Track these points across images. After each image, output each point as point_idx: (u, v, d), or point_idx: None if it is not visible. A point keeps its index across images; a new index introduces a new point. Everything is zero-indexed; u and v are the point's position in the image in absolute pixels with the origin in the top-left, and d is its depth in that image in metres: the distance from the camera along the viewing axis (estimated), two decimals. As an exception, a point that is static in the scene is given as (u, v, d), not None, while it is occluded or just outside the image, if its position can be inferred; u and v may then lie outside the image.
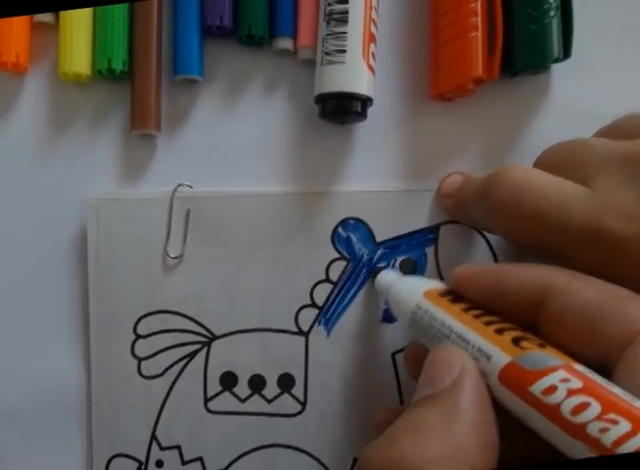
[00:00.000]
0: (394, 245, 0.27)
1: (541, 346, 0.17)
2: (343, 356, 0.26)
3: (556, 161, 0.22)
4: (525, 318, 0.19)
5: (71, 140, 0.27)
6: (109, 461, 0.27)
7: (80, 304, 0.27)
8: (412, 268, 0.27)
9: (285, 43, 0.27)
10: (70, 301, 0.27)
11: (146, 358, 0.27)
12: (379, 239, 0.27)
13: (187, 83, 0.28)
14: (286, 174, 0.27)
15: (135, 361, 0.27)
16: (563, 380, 0.15)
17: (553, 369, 0.16)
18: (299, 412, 0.26)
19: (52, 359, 0.27)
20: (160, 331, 0.27)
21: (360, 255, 0.27)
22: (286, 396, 0.27)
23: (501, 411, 0.17)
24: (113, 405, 0.27)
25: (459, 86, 0.26)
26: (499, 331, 0.18)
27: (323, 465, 0.26)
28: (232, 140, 0.27)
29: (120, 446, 0.27)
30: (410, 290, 0.22)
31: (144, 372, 0.27)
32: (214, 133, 0.27)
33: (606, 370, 0.16)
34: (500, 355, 0.17)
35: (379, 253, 0.27)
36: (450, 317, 0.19)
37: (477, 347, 0.18)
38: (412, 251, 0.27)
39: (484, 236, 0.26)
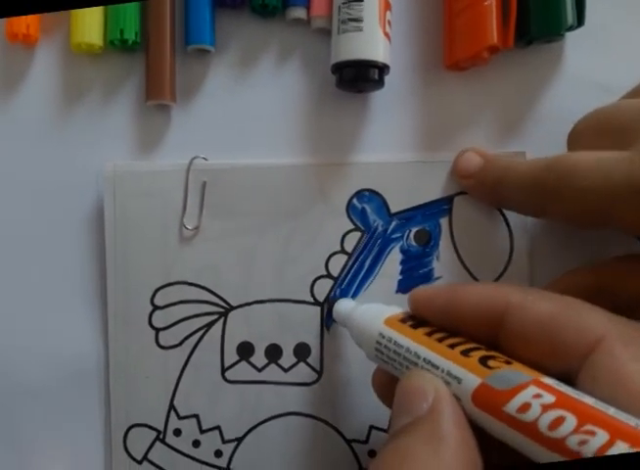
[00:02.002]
0: (409, 216, 0.27)
1: (508, 363, 0.17)
2: (359, 326, 0.27)
3: (591, 132, 0.22)
4: (486, 337, 0.19)
5: (85, 112, 0.27)
6: (127, 431, 0.27)
7: (98, 276, 0.27)
8: (427, 239, 0.27)
9: (298, 12, 0.27)
10: (88, 273, 0.27)
11: (163, 329, 0.27)
12: (393, 210, 0.27)
13: (199, 54, 0.27)
14: (301, 145, 0.27)
15: (153, 332, 0.27)
16: (535, 396, 0.15)
17: (524, 386, 0.16)
18: (315, 381, 0.27)
19: (70, 332, 0.27)
20: (177, 302, 0.27)
21: (375, 226, 0.27)
22: (302, 365, 0.27)
23: (478, 429, 0.17)
24: (131, 376, 0.27)
25: (474, 55, 0.26)
26: (465, 352, 0.18)
27: (339, 433, 0.27)
28: (246, 111, 0.27)
29: (139, 416, 0.27)
30: (370, 319, 0.22)
31: (162, 342, 0.27)
32: (229, 104, 0.27)
33: (569, 381, 0.16)
34: (470, 377, 0.17)
35: (393, 223, 0.27)
36: (415, 343, 0.19)
37: (446, 370, 0.18)
38: (426, 221, 0.27)
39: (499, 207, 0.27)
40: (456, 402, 0.17)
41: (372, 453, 0.27)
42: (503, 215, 0.27)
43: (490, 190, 0.25)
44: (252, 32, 0.27)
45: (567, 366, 0.17)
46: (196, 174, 0.27)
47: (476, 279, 0.26)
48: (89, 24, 0.26)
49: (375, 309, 0.22)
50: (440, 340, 0.19)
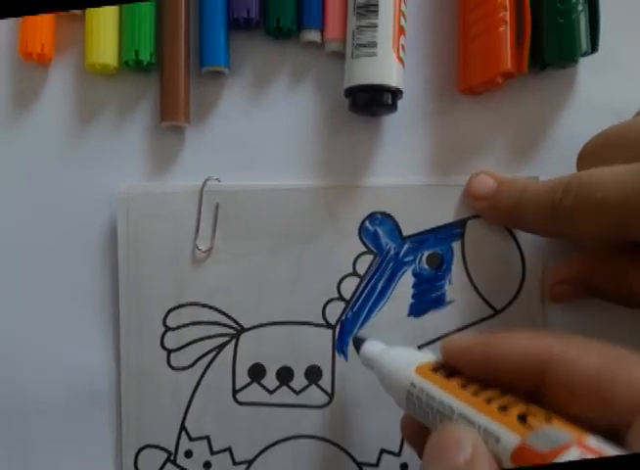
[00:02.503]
0: (421, 239, 0.27)
1: (547, 419, 0.17)
2: (370, 349, 0.27)
3: (600, 148, 0.23)
4: (525, 389, 0.18)
5: (99, 132, 0.27)
6: (138, 452, 0.27)
7: (111, 296, 0.27)
8: (439, 262, 0.27)
9: (312, 35, 0.27)
10: (101, 293, 0.27)
11: (175, 350, 0.27)
12: (405, 233, 0.27)
13: (214, 76, 0.27)
14: (313, 167, 0.27)
15: (165, 353, 0.27)
16: (579, 460, 0.15)
17: (566, 447, 0.15)
18: (327, 403, 0.27)
19: (82, 352, 0.27)
20: (189, 323, 0.27)
21: (387, 249, 0.27)
22: (313, 387, 0.27)
23: None
24: (142, 397, 0.27)
25: (488, 80, 0.26)
26: (502, 408, 0.17)
27: (350, 456, 0.27)
28: (259, 133, 0.27)
29: (150, 437, 0.27)
30: (401, 366, 0.21)
31: (173, 364, 0.27)
32: (242, 126, 0.27)
33: (617, 435, 0.16)
34: (509, 436, 0.16)
35: (405, 247, 0.27)
36: (449, 396, 0.19)
37: (483, 427, 0.17)
38: (439, 245, 0.27)
39: (511, 231, 0.27)
40: (493, 462, 0.17)
41: (382, 476, 0.27)
42: (515, 239, 0.27)
43: (506, 212, 0.25)
44: (266, 54, 0.27)
45: (615, 421, 0.17)
46: (209, 196, 0.27)
47: (488, 303, 0.27)
48: (104, 45, 0.26)
49: (406, 356, 0.22)
50: (476, 393, 0.18)
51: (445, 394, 0.19)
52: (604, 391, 0.17)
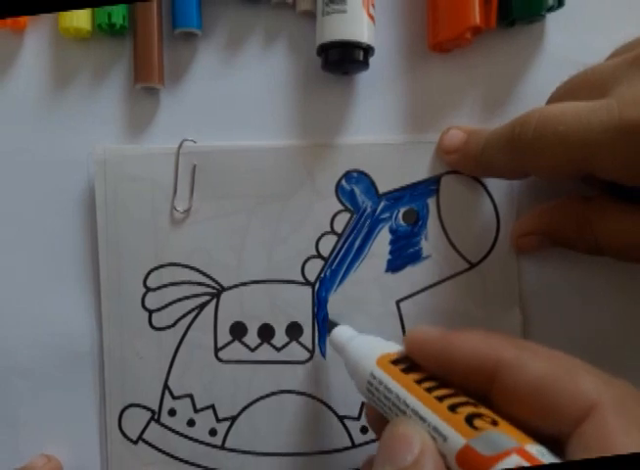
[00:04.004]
0: (397, 196, 0.27)
1: (494, 423, 0.17)
2: (350, 305, 0.27)
3: (570, 88, 0.23)
4: (477, 390, 0.19)
5: (74, 96, 0.28)
6: (122, 411, 0.27)
7: (91, 258, 0.27)
8: (415, 218, 0.27)
9: (284, -4, 0.27)
10: (81, 255, 0.28)
11: (157, 310, 0.27)
12: (381, 191, 0.27)
13: (187, 38, 0.28)
14: (288, 127, 0.28)
15: (146, 313, 0.27)
16: (516, 467, 0.15)
17: (507, 453, 0.16)
18: (308, 359, 0.27)
19: (64, 315, 0.28)
20: (169, 284, 0.27)
21: (364, 206, 0.27)
22: (294, 344, 0.27)
23: None
24: (125, 357, 0.27)
25: (457, 36, 0.26)
26: (452, 407, 0.18)
27: (331, 409, 0.27)
28: (233, 94, 0.28)
29: (133, 397, 0.27)
30: (364, 355, 0.22)
31: (155, 324, 0.27)
32: (216, 87, 0.28)
33: (559, 443, 0.17)
34: (455, 437, 0.17)
35: (382, 204, 0.27)
36: (405, 391, 0.19)
37: (432, 425, 0.18)
38: (414, 201, 0.27)
39: (485, 186, 0.27)
40: (440, 459, 0.17)
41: (364, 430, 0.27)
42: (489, 194, 0.27)
43: (474, 159, 0.25)
44: (239, 16, 0.28)
45: (558, 429, 0.17)
46: (185, 157, 0.27)
47: (463, 257, 0.27)
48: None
49: (371, 345, 0.22)
50: (430, 389, 0.19)
51: (401, 388, 0.19)
52: (548, 399, 0.17)
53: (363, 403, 0.27)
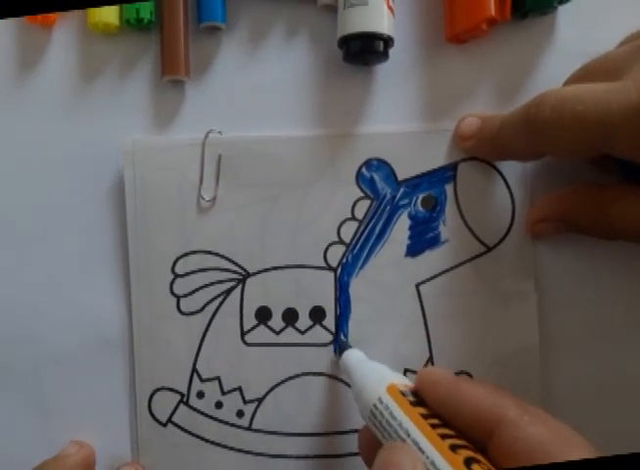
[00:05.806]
0: (415, 183, 0.28)
1: None
2: (371, 289, 0.28)
3: (585, 73, 0.24)
4: (477, 439, 0.19)
5: (103, 89, 0.28)
6: (152, 395, 0.28)
7: (120, 246, 0.28)
8: (433, 204, 0.28)
9: (305, -9, 0.28)
10: (111, 243, 0.28)
11: (184, 296, 0.28)
12: (400, 178, 0.28)
13: (212, 31, 0.29)
14: (310, 118, 0.29)
15: (174, 299, 0.28)
16: None
17: None
18: (331, 342, 0.28)
19: (95, 301, 0.28)
20: (197, 270, 0.28)
21: (384, 193, 0.28)
22: (317, 327, 0.28)
23: None
24: (154, 342, 0.28)
25: (473, 27, 0.27)
26: (453, 447, 0.18)
27: (355, 390, 0.28)
28: (257, 85, 0.29)
29: (162, 381, 0.28)
30: (374, 380, 0.22)
31: (183, 309, 0.28)
32: (240, 79, 0.29)
33: None
34: None
35: (401, 191, 0.28)
36: (409, 422, 0.20)
37: (430, 459, 0.18)
38: (432, 188, 0.28)
39: (500, 172, 0.28)
40: None
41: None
42: (504, 179, 0.28)
43: (490, 143, 0.26)
44: (262, 10, 0.29)
45: None
46: (211, 148, 0.28)
47: (480, 241, 0.28)
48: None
49: (381, 372, 0.23)
50: (434, 426, 0.20)
51: (406, 418, 0.20)
52: (540, 462, 0.17)
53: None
